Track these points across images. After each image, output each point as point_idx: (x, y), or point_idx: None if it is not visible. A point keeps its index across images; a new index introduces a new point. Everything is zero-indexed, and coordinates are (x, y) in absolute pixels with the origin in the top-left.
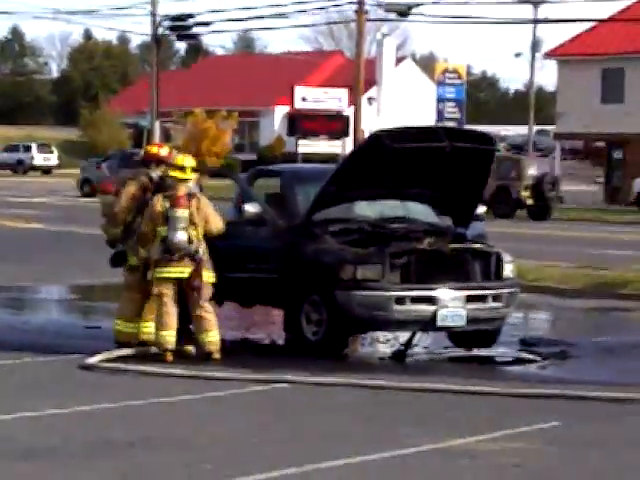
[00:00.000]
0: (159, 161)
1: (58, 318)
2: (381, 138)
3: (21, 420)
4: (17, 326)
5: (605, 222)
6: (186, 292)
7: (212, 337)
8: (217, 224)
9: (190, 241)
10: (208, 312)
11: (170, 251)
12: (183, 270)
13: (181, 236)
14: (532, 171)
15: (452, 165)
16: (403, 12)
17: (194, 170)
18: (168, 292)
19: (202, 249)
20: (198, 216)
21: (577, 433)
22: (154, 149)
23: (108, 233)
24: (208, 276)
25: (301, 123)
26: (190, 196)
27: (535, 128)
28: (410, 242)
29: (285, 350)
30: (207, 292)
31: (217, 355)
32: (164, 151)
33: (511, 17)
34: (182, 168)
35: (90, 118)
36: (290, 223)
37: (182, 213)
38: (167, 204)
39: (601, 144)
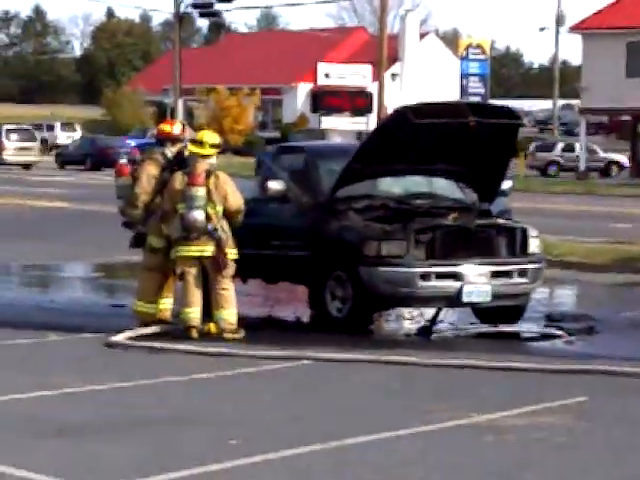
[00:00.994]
0: (174, 139)
1: (83, 296)
2: (405, 114)
3: (50, 397)
4: (43, 305)
5: (630, 196)
6: (207, 270)
7: (227, 315)
8: (237, 202)
9: (209, 219)
10: (227, 289)
11: (186, 228)
12: (203, 248)
13: (197, 215)
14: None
15: (476, 140)
16: None
17: (215, 146)
18: (191, 270)
19: (222, 226)
20: (217, 194)
21: (604, 408)
22: (167, 127)
23: (128, 215)
24: (230, 253)
25: (324, 100)
26: (209, 173)
27: (560, 103)
28: (435, 218)
29: (310, 327)
30: (229, 270)
31: (229, 335)
32: (177, 128)
33: None
34: (201, 143)
35: (113, 97)
36: (314, 200)
37: (197, 191)
38: (186, 181)
39: (627, 118)
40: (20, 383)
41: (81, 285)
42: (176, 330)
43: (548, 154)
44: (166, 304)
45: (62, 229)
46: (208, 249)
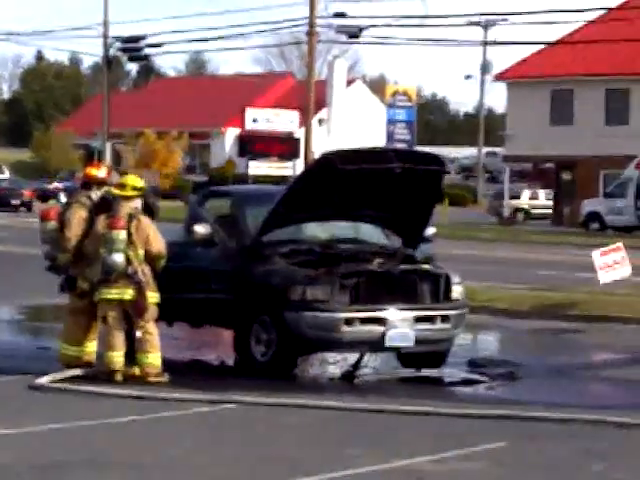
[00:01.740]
0: (99, 182)
1: (7, 338)
2: (331, 159)
3: None
4: None
5: (552, 244)
6: (129, 313)
7: (151, 359)
8: (158, 246)
9: (129, 262)
10: (150, 333)
11: (106, 271)
12: (123, 291)
13: (117, 257)
14: None
15: (402, 186)
16: (354, 34)
17: (137, 189)
18: (112, 313)
19: (143, 270)
20: (138, 237)
21: (522, 454)
22: (93, 170)
23: (59, 259)
24: (151, 297)
25: (252, 145)
26: (131, 217)
27: (485, 150)
28: (359, 263)
29: (234, 371)
30: (150, 313)
31: (153, 379)
32: (102, 172)
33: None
34: (122, 186)
35: (42, 139)
36: (240, 244)
37: (118, 235)
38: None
39: (550, 166)
40: None
41: (4, 327)
42: (100, 373)
43: (517, 201)
44: (91, 347)
45: None
46: (128, 292)
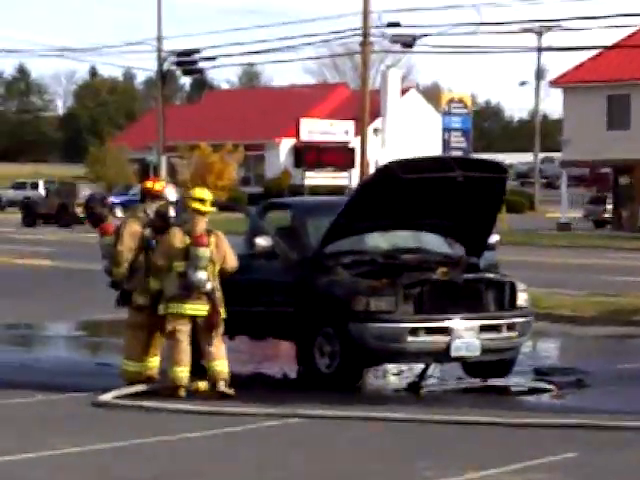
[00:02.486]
0: (154, 196)
1: (68, 355)
2: (392, 169)
3: (38, 459)
4: (29, 364)
5: (613, 248)
6: (198, 328)
7: (222, 366)
8: (233, 262)
9: (207, 279)
10: (219, 346)
11: (188, 288)
12: (200, 308)
13: (202, 275)
14: (85, 192)
15: (464, 195)
16: (408, 43)
17: (213, 204)
18: (183, 329)
19: (217, 286)
20: (217, 253)
21: (593, 464)
22: (149, 184)
23: (114, 273)
24: (222, 312)
25: (307, 155)
26: (209, 232)
27: (541, 156)
28: (423, 273)
29: (298, 383)
30: (221, 328)
31: (223, 387)
32: (159, 185)
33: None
34: (202, 200)
35: (97, 154)
36: (302, 256)
37: (204, 252)
38: (187, 240)
39: (607, 170)
40: (5, 445)
41: (66, 344)
42: (163, 388)
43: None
44: (154, 362)
45: (44, 287)
46: (203, 308)
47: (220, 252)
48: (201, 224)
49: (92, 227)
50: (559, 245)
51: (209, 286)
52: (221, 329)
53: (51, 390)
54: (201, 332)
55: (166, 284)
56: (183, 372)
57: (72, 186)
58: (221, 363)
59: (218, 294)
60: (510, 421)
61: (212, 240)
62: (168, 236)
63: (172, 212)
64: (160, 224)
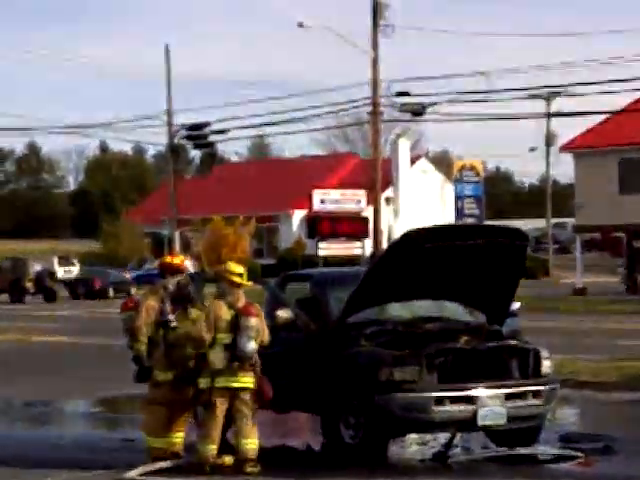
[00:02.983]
0: (174, 271)
1: (90, 432)
2: (413, 237)
3: None
4: (51, 441)
5: (630, 313)
6: (233, 401)
7: (251, 445)
8: (267, 335)
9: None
10: (252, 424)
11: (240, 359)
12: (248, 380)
13: (253, 345)
14: (36, 268)
15: (484, 262)
16: (418, 112)
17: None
18: (224, 402)
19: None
20: (261, 325)
21: None
22: (167, 259)
23: (134, 349)
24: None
25: (320, 225)
26: (248, 304)
27: (553, 221)
28: (446, 341)
29: (323, 455)
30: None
31: (250, 469)
32: (178, 260)
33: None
34: (241, 275)
35: (110, 229)
36: (324, 327)
37: (255, 322)
38: (232, 312)
39: (620, 234)
40: None
41: (85, 420)
42: (189, 464)
43: None
44: (178, 438)
45: (61, 364)
46: (250, 381)
47: (262, 323)
48: (242, 297)
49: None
50: (576, 311)
51: (255, 358)
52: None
53: (76, 467)
54: (237, 406)
55: (212, 358)
56: (213, 450)
57: (23, 262)
58: (252, 442)
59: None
60: None
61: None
62: (215, 309)
63: (192, 286)
64: (182, 297)
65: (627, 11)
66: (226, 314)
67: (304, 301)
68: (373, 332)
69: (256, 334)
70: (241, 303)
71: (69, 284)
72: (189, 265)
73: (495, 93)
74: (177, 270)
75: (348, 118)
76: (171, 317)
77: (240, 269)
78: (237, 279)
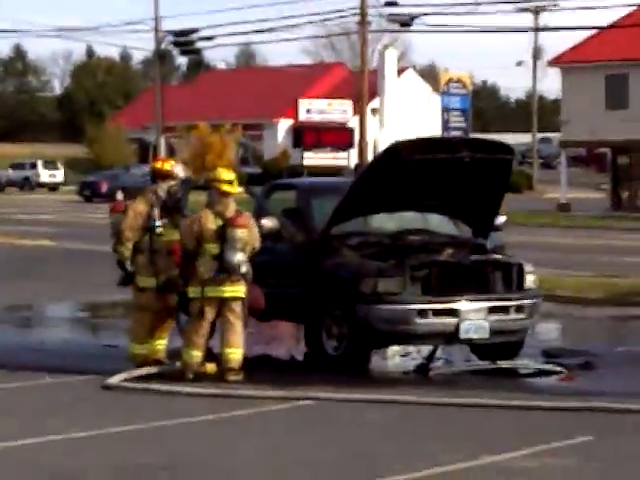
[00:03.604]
0: (165, 176)
1: (74, 337)
2: (398, 150)
3: (48, 443)
4: (34, 346)
5: (614, 229)
6: (222, 310)
7: (235, 355)
8: (259, 241)
9: (245, 260)
10: (239, 334)
11: (227, 270)
12: (238, 290)
13: (240, 257)
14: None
15: (470, 176)
16: (406, 23)
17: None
18: (211, 311)
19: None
20: (250, 235)
21: (613, 447)
22: (158, 164)
23: (117, 252)
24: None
25: (306, 135)
26: (239, 213)
27: (538, 136)
28: (430, 254)
29: (305, 366)
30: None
31: (232, 377)
32: (168, 165)
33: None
34: (230, 182)
35: (95, 134)
36: (308, 237)
37: (242, 233)
38: (219, 221)
39: (604, 150)
40: (14, 428)
41: (72, 325)
42: (172, 371)
43: None
44: (161, 345)
45: (49, 268)
46: (241, 290)
47: (252, 233)
48: (232, 205)
49: None
50: (560, 226)
51: (245, 268)
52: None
53: (59, 372)
54: (226, 315)
55: (200, 267)
56: (198, 357)
57: None
58: (236, 352)
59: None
60: (525, 404)
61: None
62: (202, 219)
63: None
64: (172, 204)
65: None
66: (212, 224)
67: (289, 211)
68: (357, 243)
69: (243, 245)
70: (229, 213)
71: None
72: (180, 171)
73: (483, 5)
74: (167, 175)
75: (336, 28)
76: (158, 222)
77: (230, 176)
78: (226, 187)
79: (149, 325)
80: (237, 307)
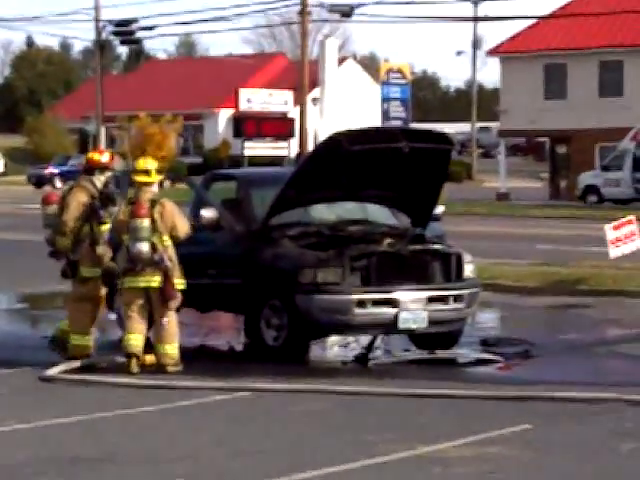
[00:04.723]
0: (102, 167)
1: (10, 328)
2: (338, 140)
3: None
4: None
5: (552, 218)
6: (152, 300)
7: (170, 349)
8: (184, 229)
9: (155, 249)
10: (171, 322)
11: (132, 260)
12: (150, 279)
13: (142, 246)
14: None
15: (410, 166)
16: (346, 13)
17: (159, 172)
18: (138, 302)
19: (170, 256)
20: (162, 223)
21: (549, 436)
22: (96, 155)
23: (58, 244)
24: (178, 283)
25: (247, 125)
26: (154, 202)
27: (477, 125)
28: (369, 244)
29: (245, 356)
30: (175, 301)
31: (171, 369)
32: (105, 157)
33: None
34: (146, 172)
35: (35, 124)
36: (248, 228)
37: (141, 223)
38: (129, 212)
39: (543, 140)
40: None
41: (8, 317)
42: (109, 362)
43: None
44: (90, 337)
45: None
46: (155, 280)
47: (166, 221)
48: (145, 195)
49: None
50: (499, 215)
51: (156, 257)
52: (176, 302)
53: None
54: (155, 307)
55: (118, 259)
56: (135, 339)
57: None
58: (171, 346)
59: (171, 265)
60: (461, 393)
61: (156, 210)
62: (117, 211)
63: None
64: (106, 196)
65: None
66: (124, 215)
67: (229, 201)
68: (297, 234)
69: (146, 235)
70: (141, 202)
71: None
72: (117, 162)
73: None
74: (105, 167)
75: (277, 17)
76: (102, 213)
77: (147, 165)
78: (140, 178)
79: (90, 315)
80: (155, 298)
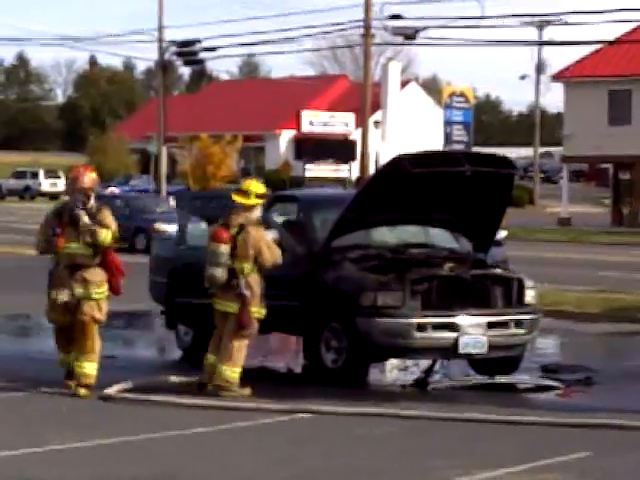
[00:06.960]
0: (83, 190)
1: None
2: (401, 163)
3: (44, 454)
4: (32, 355)
5: (615, 244)
6: (228, 322)
7: (229, 373)
8: (273, 257)
9: (234, 275)
10: (239, 348)
11: (209, 285)
12: (228, 304)
13: (214, 271)
14: None
15: (472, 190)
16: (410, 35)
17: (261, 196)
18: (219, 324)
19: (250, 283)
20: (244, 250)
21: (608, 465)
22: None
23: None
24: (255, 312)
25: (308, 147)
26: (241, 228)
27: (540, 150)
28: (430, 268)
29: (304, 378)
30: (250, 329)
31: (225, 393)
32: (87, 179)
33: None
34: (246, 193)
35: (97, 144)
36: (309, 250)
37: (218, 248)
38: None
39: (606, 166)
40: (9, 439)
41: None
42: (169, 383)
43: None
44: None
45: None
46: (231, 306)
47: (246, 248)
48: (237, 218)
49: None
50: (561, 241)
51: (233, 282)
52: (251, 330)
53: (55, 382)
54: (228, 328)
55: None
56: (212, 360)
57: None
58: (229, 369)
59: (248, 293)
60: (522, 419)
61: (240, 237)
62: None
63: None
64: (68, 217)
65: None
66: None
67: (291, 223)
68: (358, 256)
69: (223, 260)
70: (226, 224)
71: None
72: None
73: (487, 19)
74: (85, 190)
75: (340, 40)
76: (56, 230)
77: (248, 187)
78: (235, 196)
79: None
80: (230, 323)
